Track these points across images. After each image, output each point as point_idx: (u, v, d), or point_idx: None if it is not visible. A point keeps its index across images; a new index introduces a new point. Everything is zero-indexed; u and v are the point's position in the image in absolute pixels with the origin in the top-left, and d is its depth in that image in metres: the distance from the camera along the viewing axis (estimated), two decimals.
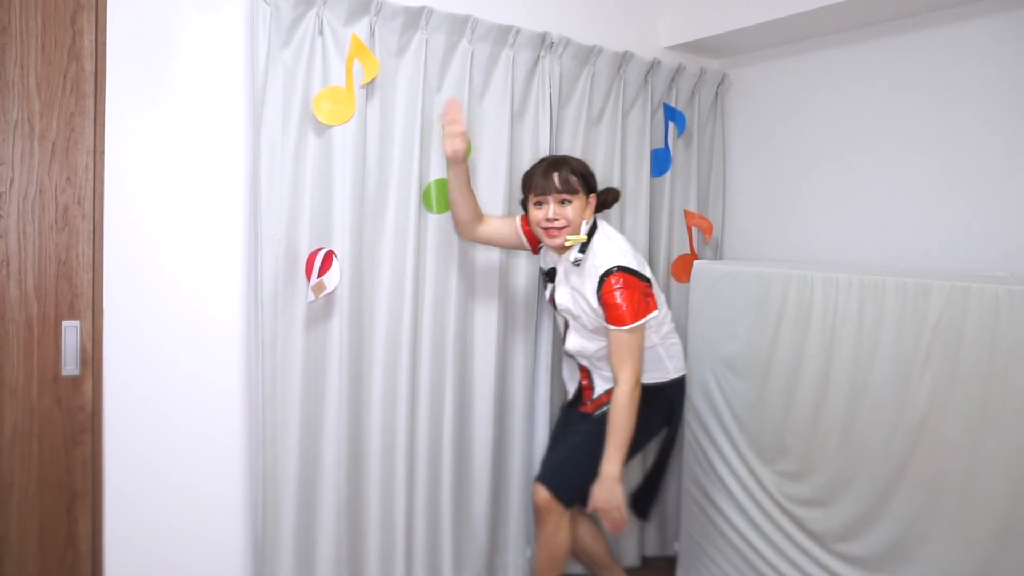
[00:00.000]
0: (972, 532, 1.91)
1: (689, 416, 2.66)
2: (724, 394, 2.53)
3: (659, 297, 2.28)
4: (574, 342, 2.32)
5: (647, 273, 2.21)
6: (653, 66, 2.82)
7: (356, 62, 2.18)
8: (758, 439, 2.43)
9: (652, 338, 2.29)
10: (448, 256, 2.44)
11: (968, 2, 2.37)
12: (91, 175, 1.99)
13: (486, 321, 2.53)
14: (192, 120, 2.11)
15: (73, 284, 1.99)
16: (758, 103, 3.05)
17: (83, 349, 2.00)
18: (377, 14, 2.22)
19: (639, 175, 2.84)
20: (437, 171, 2.39)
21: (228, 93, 2.15)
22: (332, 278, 2.12)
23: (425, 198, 2.38)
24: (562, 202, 2.15)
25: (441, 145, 2.17)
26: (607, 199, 2.30)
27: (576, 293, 2.22)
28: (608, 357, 2.21)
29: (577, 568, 2.64)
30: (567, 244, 2.16)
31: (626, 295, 2.11)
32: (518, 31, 2.46)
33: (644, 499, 2.49)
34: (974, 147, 2.39)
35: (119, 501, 2.06)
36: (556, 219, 2.15)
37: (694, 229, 2.95)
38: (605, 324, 2.15)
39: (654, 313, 2.16)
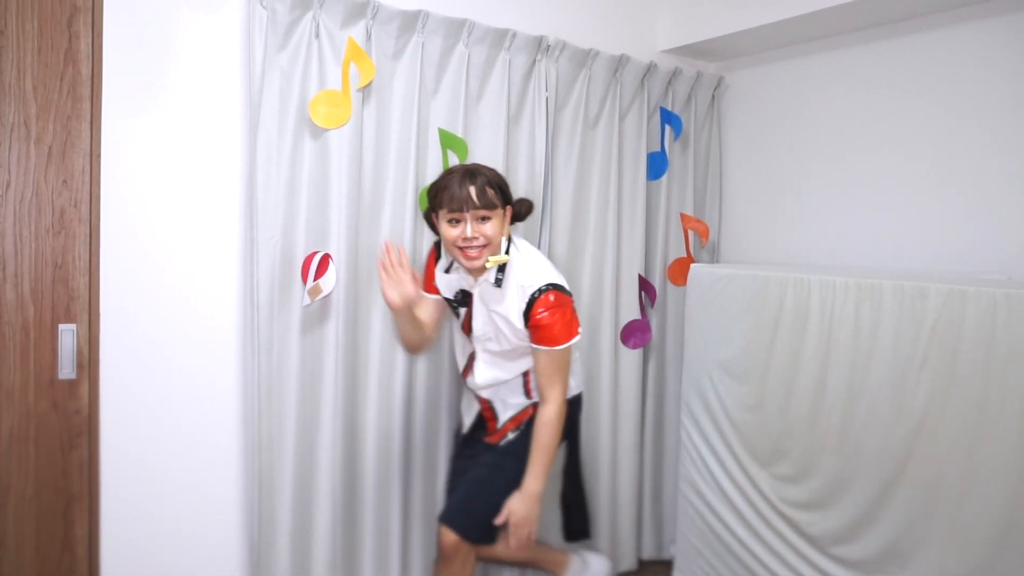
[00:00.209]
0: (969, 535, 1.91)
1: (685, 419, 2.66)
2: (720, 397, 2.53)
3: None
4: (486, 375, 2.13)
5: (568, 287, 2.07)
6: (650, 69, 2.83)
7: (352, 65, 2.18)
8: (755, 442, 2.43)
9: None
10: None
11: (965, 5, 2.38)
12: (87, 178, 1.99)
13: None
14: (188, 123, 2.11)
15: (69, 287, 1.99)
16: (754, 106, 3.06)
17: (79, 352, 2.00)
18: (373, 17, 2.22)
19: (635, 178, 2.85)
20: (433, 174, 2.39)
21: (224, 96, 2.15)
22: (328, 281, 2.12)
23: (421, 201, 2.38)
24: (481, 219, 1.95)
25: (381, 290, 1.99)
26: (521, 211, 2.10)
27: (495, 316, 2.04)
28: (518, 382, 2.14)
29: None
30: (488, 265, 1.98)
31: (559, 314, 1.98)
32: (514, 34, 2.47)
33: (577, 520, 2.34)
34: (971, 151, 2.39)
35: (116, 504, 2.06)
36: (475, 237, 1.94)
37: (690, 232, 2.96)
38: (530, 345, 2.03)
39: (581, 330, 2.07)
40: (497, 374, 2.13)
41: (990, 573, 1.88)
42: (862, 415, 2.14)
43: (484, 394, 2.19)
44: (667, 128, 2.87)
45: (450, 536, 2.07)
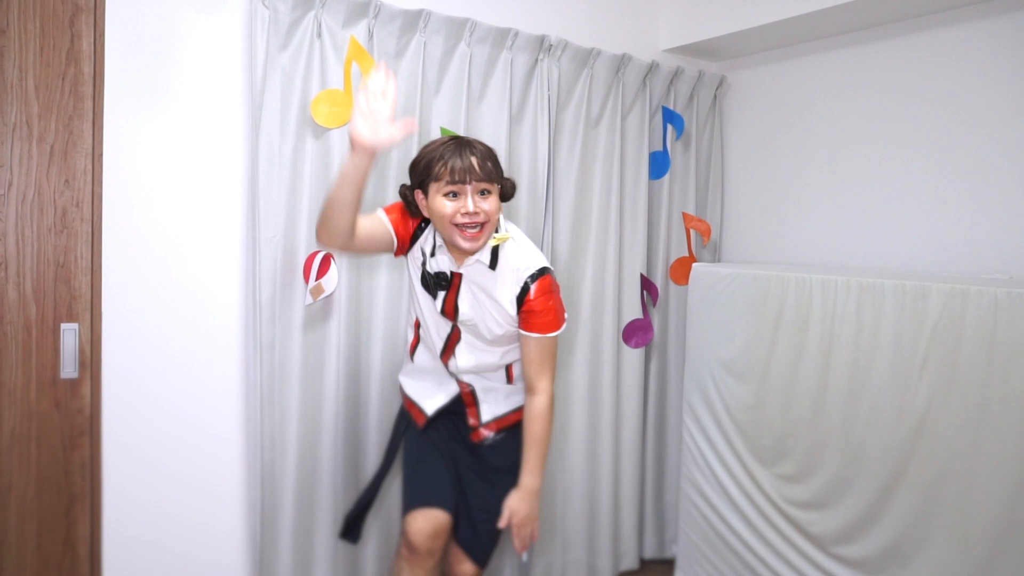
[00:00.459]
0: (970, 534, 1.91)
1: (687, 418, 2.66)
2: (723, 397, 2.53)
3: None
4: (468, 359, 1.96)
5: None
6: (652, 69, 2.83)
7: (354, 65, 2.18)
8: (757, 442, 2.43)
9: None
10: None
11: (966, 5, 2.38)
12: (90, 178, 1.99)
13: None
14: (190, 123, 2.11)
15: (72, 287, 1.99)
16: (756, 106, 3.06)
17: (81, 352, 2.00)
18: (375, 17, 2.22)
19: (637, 178, 2.84)
20: None
21: (226, 96, 2.15)
22: (330, 281, 2.12)
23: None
24: (482, 192, 1.77)
25: (351, 126, 1.58)
26: (508, 190, 1.89)
27: (486, 299, 1.88)
28: (509, 369, 2.00)
29: None
30: (492, 244, 1.82)
31: (552, 300, 1.87)
32: (516, 33, 2.47)
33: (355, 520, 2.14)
34: (973, 150, 2.39)
35: (118, 503, 2.06)
36: (477, 213, 1.75)
37: (692, 232, 2.95)
38: (520, 331, 1.89)
39: (567, 318, 1.95)
40: (482, 358, 1.97)
41: (991, 572, 1.88)
42: (864, 414, 2.14)
43: (465, 378, 2.01)
44: (669, 127, 2.87)
45: (469, 567, 2.00)
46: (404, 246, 1.90)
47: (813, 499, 2.27)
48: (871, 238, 2.67)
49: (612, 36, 2.84)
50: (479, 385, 2.01)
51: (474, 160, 1.75)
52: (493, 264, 1.86)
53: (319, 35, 2.16)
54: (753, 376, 2.43)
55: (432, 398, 2.04)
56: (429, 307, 1.95)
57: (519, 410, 2.03)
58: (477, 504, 2.01)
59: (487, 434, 2.03)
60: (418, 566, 1.94)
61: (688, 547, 2.68)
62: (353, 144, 1.59)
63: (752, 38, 2.83)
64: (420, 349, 2.04)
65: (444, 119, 2.40)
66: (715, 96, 3.10)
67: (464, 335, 1.94)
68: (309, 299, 2.11)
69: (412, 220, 1.89)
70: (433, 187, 1.77)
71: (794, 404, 2.32)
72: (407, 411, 2.09)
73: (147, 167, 2.06)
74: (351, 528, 2.10)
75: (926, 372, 2.00)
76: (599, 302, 2.77)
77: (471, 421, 2.03)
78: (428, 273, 1.90)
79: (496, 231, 1.85)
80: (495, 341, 1.93)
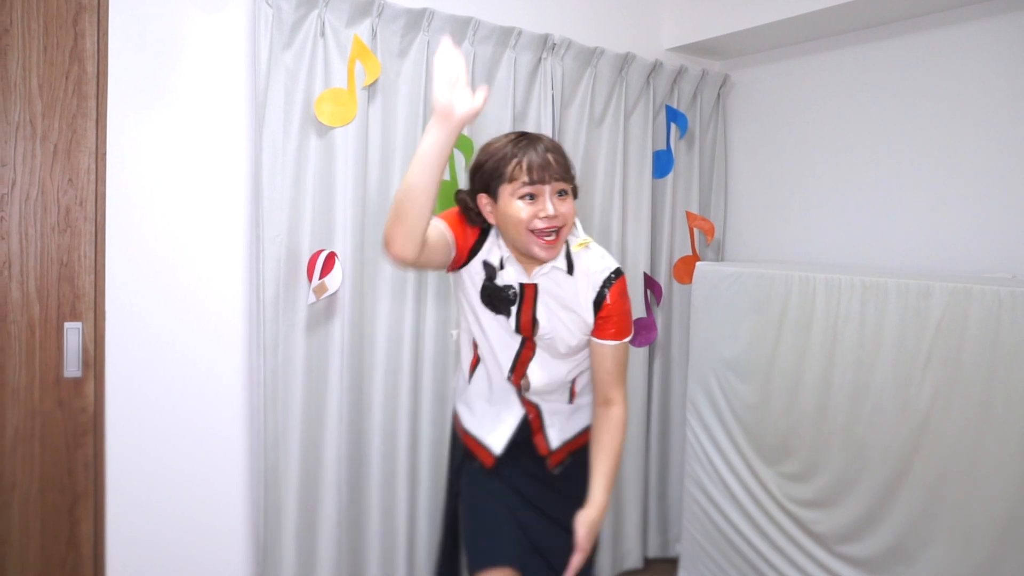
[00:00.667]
0: (973, 533, 1.91)
1: (691, 417, 2.66)
2: (726, 396, 2.53)
3: None
4: (541, 377, 1.75)
5: None
6: (655, 68, 2.82)
7: (358, 64, 2.18)
8: (760, 441, 2.43)
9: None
10: None
11: (969, 4, 2.37)
12: (93, 177, 1.99)
13: None
14: (194, 122, 2.11)
15: (75, 286, 1.99)
16: (760, 105, 3.05)
17: (85, 351, 2.00)
18: (379, 16, 2.22)
19: (641, 177, 2.84)
20: None
21: (230, 94, 2.15)
22: (334, 280, 2.12)
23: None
24: (560, 192, 1.59)
25: (435, 97, 1.41)
26: (577, 190, 1.73)
27: (560, 309, 1.70)
28: (572, 385, 1.81)
29: None
30: (574, 249, 1.69)
31: (628, 303, 1.72)
32: (520, 32, 2.47)
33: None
34: (976, 149, 2.39)
35: (121, 503, 2.06)
36: (556, 217, 1.57)
37: (696, 231, 2.95)
38: (593, 340, 1.72)
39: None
40: (553, 374, 1.77)
41: (994, 570, 1.88)
42: (867, 413, 2.14)
43: (534, 399, 1.80)
44: (672, 126, 2.87)
45: None
46: (461, 260, 1.67)
47: (817, 498, 2.27)
48: (874, 237, 2.66)
49: (616, 35, 2.83)
50: (545, 408, 1.80)
51: (550, 156, 1.57)
52: (571, 269, 1.68)
53: (323, 34, 2.16)
54: (756, 375, 2.43)
55: (496, 431, 1.80)
56: (496, 326, 1.73)
57: (585, 431, 1.84)
58: (552, 544, 1.78)
59: (560, 460, 1.82)
60: None
61: (692, 546, 2.68)
62: (438, 114, 1.41)
63: (755, 37, 2.83)
64: (479, 371, 1.81)
65: None
66: (718, 95, 3.09)
67: (538, 351, 1.75)
68: (312, 298, 2.11)
69: (471, 230, 1.67)
70: (506, 189, 1.57)
71: (798, 403, 2.31)
72: (470, 451, 1.83)
73: (150, 166, 2.06)
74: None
75: (929, 371, 2.00)
76: None
77: (541, 450, 1.81)
78: (497, 288, 1.68)
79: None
80: (567, 353, 1.75)
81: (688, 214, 2.95)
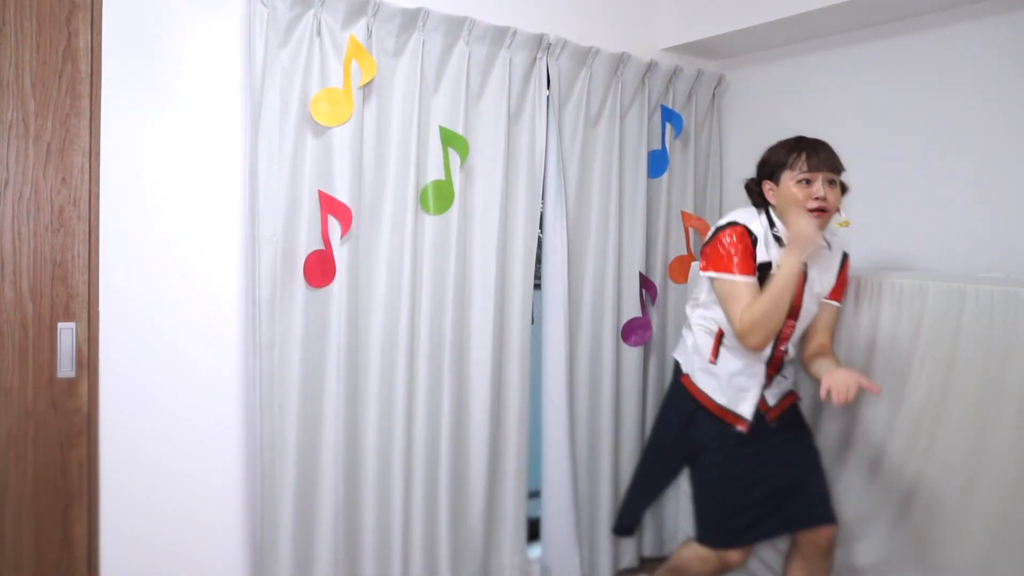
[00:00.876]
0: (967, 532, 1.92)
1: None
2: None
3: None
4: (792, 351, 2.13)
5: None
6: (650, 68, 2.83)
7: (354, 63, 2.18)
8: None
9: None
10: (445, 257, 2.43)
11: (966, 4, 2.38)
12: (87, 176, 1.98)
13: (482, 322, 2.52)
14: (189, 121, 2.10)
15: (69, 286, 1.98)
16: (755, 105, 3.06)
17: (79, 351, 1.99)
18: (374, 15, 2.22)
19: (636, 176, 2.84)
20: (434, 172, 2.39)
21: (225, 94, 2.14)
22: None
23: (422, 199, 2.38)
24: (830, 181, 2.00)
25: (801, 227, 1.91)
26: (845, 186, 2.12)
27: (815, 284, 2.08)
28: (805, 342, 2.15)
29: None
30: (839, 226, 2.08)
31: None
32: (515, 32, 2.46)
33: (629, 514, 2.38)
34: (970, 149, 2.40)
35: (115, 504, 2.05)
36: (825, 199, 1.96)
37: (691, 230, 2.96)
38: (827, 302, 2.12)
39: None
40: (797, 343, 2.15)
41: (989, 569, 1.89)
42: (861, 413, 2.14)
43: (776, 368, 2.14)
44: (668, 126, 2.87)
45: (831, 531, 2.06)
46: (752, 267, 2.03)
47: None
48: (867, 236, 2.67)
49: (611, 35, 2.84)
50: (776, 376, 2.12)
51: (823, 153, 1.99)
52: (829, 244, 2.11)
53: (318, 33, 2.15)
54: None
55: (746, 400, 2.09)
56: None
57: (790, 395, 2.17)
58: (794, 479, 2.07)
59: (777, 416, 2.12)
60: (729, 572, 2.11)
61: None
62: (798, 244, 1.90)
63: (750, 37, 2.83)
64: (724, 353, 2.09)
65: (443, 118, 2.40)
66: (713, 95, 3.10)
67: (796, 326, 2.07)
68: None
69: (746, 244, 2.02)
70: (787, 175, 2.01)
71: None
72: (719, 418, 2.10)
73: (145, 165, 2.05)
74: (631, 525, 2.34)
75: (923, 370, 2.01)
76: (598, 300, 2.77)
77: (761, 407, 2.10)
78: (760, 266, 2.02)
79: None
80: (803, 320, 2.09)
81: (683, 214, 2.95)
